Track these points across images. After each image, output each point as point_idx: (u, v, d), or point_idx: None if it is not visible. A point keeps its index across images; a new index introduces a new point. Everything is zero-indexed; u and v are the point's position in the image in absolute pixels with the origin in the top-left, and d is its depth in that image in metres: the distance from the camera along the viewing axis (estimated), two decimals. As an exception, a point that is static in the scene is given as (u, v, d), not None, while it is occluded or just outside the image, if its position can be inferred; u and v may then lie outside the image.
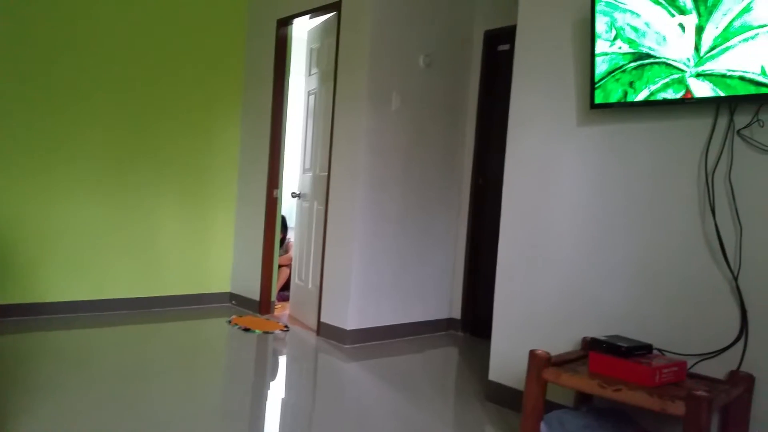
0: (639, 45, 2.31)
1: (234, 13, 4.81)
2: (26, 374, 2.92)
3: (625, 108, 2.44)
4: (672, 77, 2.21)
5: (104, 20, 4.18)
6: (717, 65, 2.09)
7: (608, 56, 2.41)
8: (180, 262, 4.67)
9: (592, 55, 2.46)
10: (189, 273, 4.73)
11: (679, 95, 2.20)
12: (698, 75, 2.14)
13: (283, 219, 5.46)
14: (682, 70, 2.18)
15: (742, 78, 2.03)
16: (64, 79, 4.05)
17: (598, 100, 2.47)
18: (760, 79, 1.98)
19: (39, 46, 3.94)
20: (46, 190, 4.04)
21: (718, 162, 2.20)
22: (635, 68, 2.32)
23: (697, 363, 2.22)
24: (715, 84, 2.10)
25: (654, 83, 2.26)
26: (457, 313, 4.46)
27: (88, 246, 4.22)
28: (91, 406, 2.60)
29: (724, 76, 2.07)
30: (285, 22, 4.53)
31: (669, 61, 2.21)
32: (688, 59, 2.16)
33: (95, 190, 4.23)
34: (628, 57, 2.34)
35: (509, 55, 4.04)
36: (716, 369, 2.17)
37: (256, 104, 4.76)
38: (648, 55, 2.28)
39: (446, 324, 4.46)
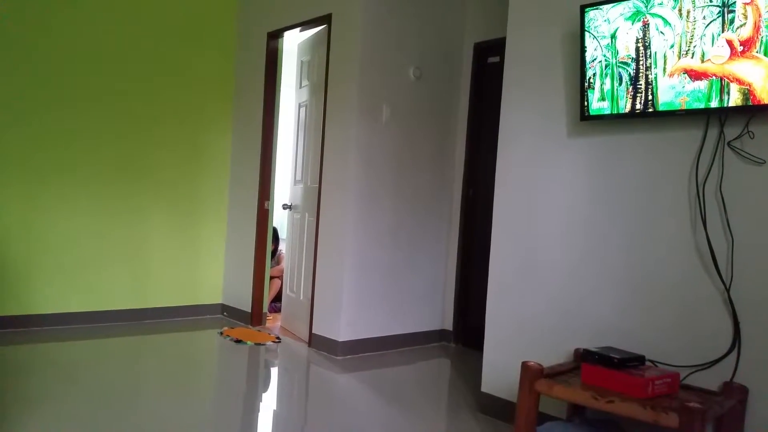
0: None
1: (224, 25, 4.82)
2: (17, 386, 2.88)
3: (615, 119, 2.45)
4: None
5: (94, 31, 4.17)
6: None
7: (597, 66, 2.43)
8: (171, 273, 4.64)
9: (582, 66, 2.48)
10: (180, 284, 4.69)
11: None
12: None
13: (275, 231, 5.43)
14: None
15: None
16: (54, 89, 4.02)
17: (588, 112, 2.48)
18: None
19: (26, 56, 3.92)
20: (35, 201, 4.00)
21: (708, 173, 2.21)
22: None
23: (690, 374, 2.22)
24: None
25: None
26: (449, 325, 4.45)
27: (78, 257, 4.18)
28: (83, 418, 2.56)
29: None
30: (275, 35, 4.54)
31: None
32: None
33: (85, 201, 4.20)
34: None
35: (499, 67, 4.06)
36: (709, 380, 2.17)
37: (247, 116, 4.75)
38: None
39: (438, 335, 4.45)
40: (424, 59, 4.19)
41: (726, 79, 2.08)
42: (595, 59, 2.45)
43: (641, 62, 2.31)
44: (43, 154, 4.01)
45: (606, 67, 2.42)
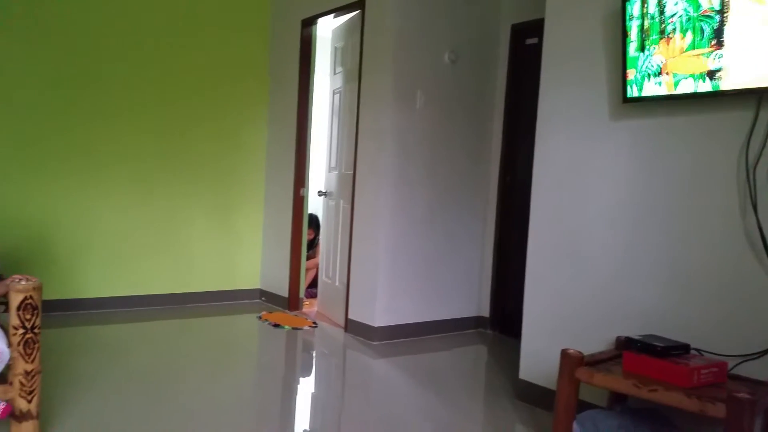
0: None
1: (258, 14, 4.84)
2: (65, 368, 2.98)
3: (658, 101, 2.37)
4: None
5: (129, 28, 4.26)
6: None
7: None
8: (211, 259, 4.74)
9: (624, 46, 2.40)
10: (220, 270, 4.79)
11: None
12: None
13: (316, 218, 5.37)
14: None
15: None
16: (99, 85, 4.15)
17: (630, 93, 2.41)
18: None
19: (76, 56, 4.05)
20: (83, 191, 4.15)
21: (760, 156, 2.12)
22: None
23: (738, 364, 2.15)
24: None
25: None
26: (485, 311, 4.42)
27: (123, 244, 4.32)
28: (127, 398, 2.65)
29: None
30: (309, 22, 4.53)
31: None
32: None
33: (130, 191, 4.33)
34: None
35: (537, 48, 3.97)
36: (761, 371, 2.10)
37: (282, 104, 4.77)
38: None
39: (474, 322, 4.42)
40: (460, 43, 4.13)
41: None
42: (638, 39, 2.37)
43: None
44: (91, 148, 4.16)
45: (650, 46, 2.33)
